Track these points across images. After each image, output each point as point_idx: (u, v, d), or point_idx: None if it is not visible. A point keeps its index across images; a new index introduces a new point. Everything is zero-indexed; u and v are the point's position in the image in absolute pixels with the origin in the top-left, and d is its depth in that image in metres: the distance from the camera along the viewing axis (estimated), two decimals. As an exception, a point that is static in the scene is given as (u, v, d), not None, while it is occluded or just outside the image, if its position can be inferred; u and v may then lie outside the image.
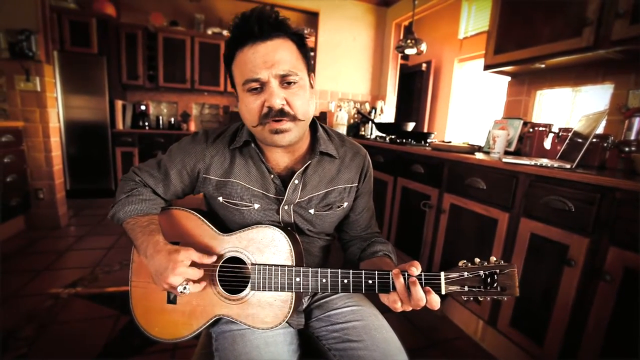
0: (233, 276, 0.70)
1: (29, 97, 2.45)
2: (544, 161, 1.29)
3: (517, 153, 1.72)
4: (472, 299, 0.58)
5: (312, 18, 3.66)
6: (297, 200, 0.75)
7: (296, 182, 0.73)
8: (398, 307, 0.59)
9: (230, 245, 0.70)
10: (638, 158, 1.16)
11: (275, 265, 0.66)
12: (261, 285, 0.66)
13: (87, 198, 3.54)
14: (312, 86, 0.71)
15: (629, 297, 0.96)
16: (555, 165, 1.21)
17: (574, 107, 1.93)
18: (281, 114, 0.63)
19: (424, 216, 1.83)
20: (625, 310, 0.97)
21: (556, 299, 1.16)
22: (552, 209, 1.17)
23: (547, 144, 1.59)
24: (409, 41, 2.82)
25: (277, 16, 0.63)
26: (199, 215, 0.74)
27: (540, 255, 1.23)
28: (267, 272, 0.66)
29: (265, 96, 0.63)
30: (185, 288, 0.61)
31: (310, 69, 0.71)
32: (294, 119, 0.65)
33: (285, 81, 0.63)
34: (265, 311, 0.67)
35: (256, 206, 0.74)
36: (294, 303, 0.66)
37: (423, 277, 0.58)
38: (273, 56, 0.61)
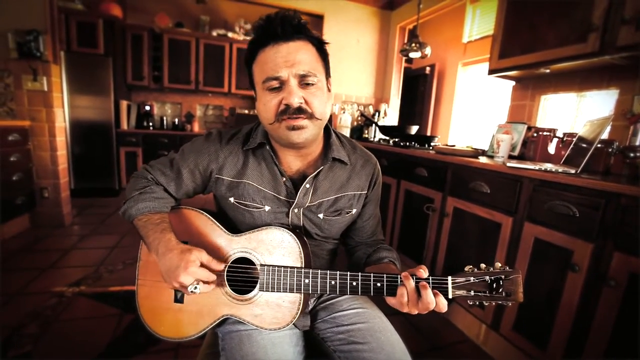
0: (241, 277, 0.70)
1: (35, 97, 2.47)
2: (548, 166, 1.29)
3: (521, 157, 1.72)
4: (477, 303, 0.59)
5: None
6: (307, 204, 0.75)
7: (307, 186, 0.74)
8: (404, 301, 0.59)
9: (239, 245, 0.71)
10: (643, 164, 1.16)
11: (284, 267, 0.66)
12: (270, 286, 0.66)
13: (91, 197, 3.56)
14: (329, 90, 0.72)
15: (634, 303, 0.96)
16: (560, 170, 1.21)
17: (578, 113, 1.93)
18: (298, 112, 0.64)
19: (427, 219, 1.83)
20: (629, 316, 0.97)
21: (560, 304, 1.15)
22: (556, 214, 1.17)
23: (552, 148, 1.59)
24: (413, 44, 2.83)
25: (299, 20, 0.65)
26: (209, 216, 0.74)
27: (544, 260, 1.23)
28: (276, 273, 0.66)
29: (284, 94, 0.64)
30: (195, 288, 0.61)
31: (329, 73, 0.72)
32: (311, 116, 0.66)
33: (304, 81, 0.65)
34: (274, 312, 0.67)
35: (267, 208, 0.74)
36: (302, 304, 0.67)
37: (431, 281, 0.59)
38: (294, 56, 0.63)
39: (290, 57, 0.63)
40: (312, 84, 0.65)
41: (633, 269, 0.96)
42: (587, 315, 1.08)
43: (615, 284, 0.99)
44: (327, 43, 0.71)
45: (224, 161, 0.75)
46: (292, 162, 0.76)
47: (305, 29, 0.66)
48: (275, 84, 0.64)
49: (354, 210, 0.81)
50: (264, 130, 0.74)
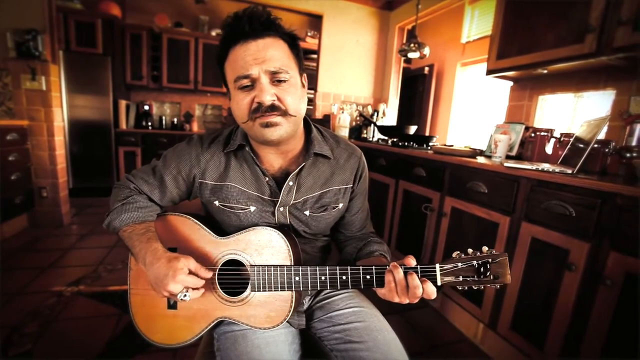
0: (232, 278, 0.70)
1: (34, 96, 2.47)
2: (546, 166, 1.29)
3: (518, 157, 1.73)
4: (466, 288, 0.60)
5: (316, 21, 3.67)
6: (292, 202, 0.75)
7: (290, 183, 0.74)
8: (392, 287, 0.60)
9: (228, 248, 0.71)
10: (639, 164, 1.17)
11: (274, 266, 0.67)
12: (261, 285, 0.67)
13: (90, 197, 3.56)
14: (303, 86, 0.71)
15: (630, 303, 0.97)
16: (557, 170, 1.22)
17: (575, 113, 1.94)
18: (271, 109, 0.63)
19: (425, 219, 1.84)
20: (625, 315, 0.98)
21: (556, 303, 1.16)
22: (553, 214, 1.18)
23: (549, 148, 1.59)
24: (412, 45, 2.83)
25: (268, 16, 0.64)
26: (195, 220, 0.74)
27: (540, 260, 1.24)
28: (266, 272, 0.66)
29: (256, 92, 0.63)
30: (185, 295, 0.61)
31: (302, 69, 0.71)
32: (284, 113, 0.65)
33: (275, 78, 0.64)
34: (266, 311, 0.68)
35: (252, 209, 0.74)
36: (294, 302, 0.67)
37: (419, 269, 0.60)
38: (264, 53, 0.62)
39: (260, 55, 0.62)
40: (285, 81, 0.64)
41: (629, 269, 0.96)
42: (583, 315, 1.08)
43: (611, 283, 1.00)
44: (299, 39, 0.70)
45: (205, 165, 0.75)
46: (274, 161, 0.75)
47: (274, 25, 0.65)
48: (246, 82, 0.63)
49: (341, 205, 0.81)
50: (244, 131, 0.73)
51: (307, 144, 0.77)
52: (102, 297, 1.70)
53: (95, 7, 3.44)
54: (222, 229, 0.78)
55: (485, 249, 0.60)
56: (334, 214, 0.81)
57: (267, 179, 0.74)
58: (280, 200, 0.73)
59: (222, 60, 0.68)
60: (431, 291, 0.59)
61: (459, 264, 0.59)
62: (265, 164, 0.75)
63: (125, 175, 0.78)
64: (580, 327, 1.09)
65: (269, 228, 0.70)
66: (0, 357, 1.25)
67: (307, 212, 0.77)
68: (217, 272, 0.70)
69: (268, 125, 0.64)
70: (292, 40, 0.68)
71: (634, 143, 1.33)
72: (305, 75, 0.72)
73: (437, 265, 0.60)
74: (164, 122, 4.17)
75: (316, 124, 0.81)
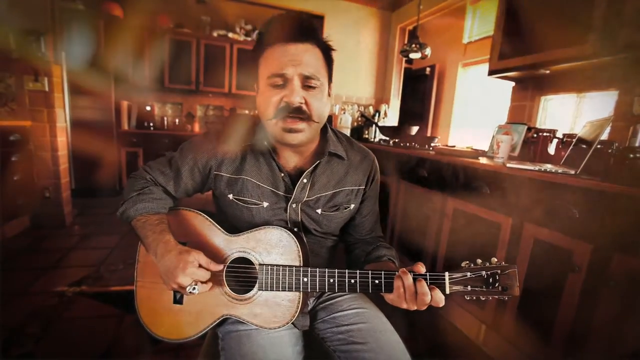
0: (240, 276, 0.71)
1: (37, 97, 2.48)
2: (548, 167, 1.29)
3: (521, 158, 1.72)
4: (474, 298, 0.59)
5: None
6: (305, 199, 0.76)
7: (305, 180, 0.75)
8: (401, 292, 0.60)
9: (237, 245, 0.71)
10: (643, 165, 1.16)
11: (282, 266, 0.67)
12: (269, 285, 0.67)
13: (92, 197, 3.57)
14: (329, 94, 0.74)
15: (634, 304, 0.96)
16: (560, 171, 1.21)
17: (578, 113, 1.93)
18: (297, 112, 0.65)
19: (427, 220, 1.83)
20: (629, 316, 0.97)
21: (560, 304, 1.16)
22: (556, 215, 1.17)
23: (551, 149, 1.59)
24: (413, 45, 2.83)
25: (311, 23, 0.68)
26: (207, 216, 0.75)
27: (543, 261, 1.23)
28: (274, 272, 0.67)
29: (286, 92, 0.66)
30: (194, 288, 0.62)
31: (331, 78, 0.74)
32: (308, 119, 0.67)
33: (307, 83, 0.66)
34: (273, 311, 0.68)
35: (265, 204, 0.75)
36: (301, 303, 0.67)
37: (428, 277, 0.60)
38: (301, 57, 0.65)
39: (297, 58, 0.65)
40: (314, 87, 0.67)
41: (632, 270, 0.96)
42: (587, 316, 1.08)
43: (614, 284, 0.99)
44: (334, 49, 0.72)
45: (222, 158, 0.76)
46: (290, 158, 0.77)
47: (315, 32, 0.68)
48: (279, 81, 0.66)
49: (352, 206, 0.82)
50: (262, 126, 0.75)
51: (322, 143, 0.79)
52: (104, 297, 1.70)
53: (97, 8, 3.45)
54: (232, 224, 0.78)
55: (494, 259, 0.60)
56: (345, 214, 0.82)
57: (282, 174, 0.75)
58: (293, 196, 0.74)
59: (257, 55, 0.70)
60: (439, 299, 0.59)
61: (468, 274, 0.59)
62: (281, 159, 0.77)
63: (142, 166, 0.79)
64: (583, 329, 1.09)
65: (279, 227, 0.70)
66: (1, 357, 1.25)
67: (319, 211, 0.78)
68: (225, 269, 0.70)
69: (291, 131, 0.66)
70: (326, 50, 0.71)
71: (637, 144, 1.32)
72: (332, 84, 0.75)
73: (446, 274, 0.60)
74: (165, 122, 4.17)
75: (332, 127, 0.83)
